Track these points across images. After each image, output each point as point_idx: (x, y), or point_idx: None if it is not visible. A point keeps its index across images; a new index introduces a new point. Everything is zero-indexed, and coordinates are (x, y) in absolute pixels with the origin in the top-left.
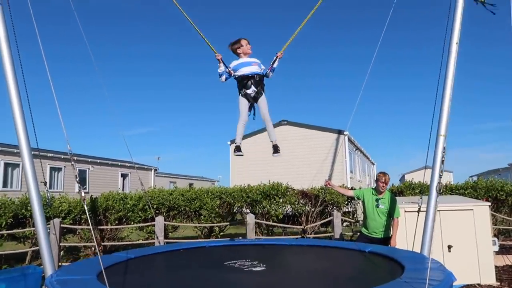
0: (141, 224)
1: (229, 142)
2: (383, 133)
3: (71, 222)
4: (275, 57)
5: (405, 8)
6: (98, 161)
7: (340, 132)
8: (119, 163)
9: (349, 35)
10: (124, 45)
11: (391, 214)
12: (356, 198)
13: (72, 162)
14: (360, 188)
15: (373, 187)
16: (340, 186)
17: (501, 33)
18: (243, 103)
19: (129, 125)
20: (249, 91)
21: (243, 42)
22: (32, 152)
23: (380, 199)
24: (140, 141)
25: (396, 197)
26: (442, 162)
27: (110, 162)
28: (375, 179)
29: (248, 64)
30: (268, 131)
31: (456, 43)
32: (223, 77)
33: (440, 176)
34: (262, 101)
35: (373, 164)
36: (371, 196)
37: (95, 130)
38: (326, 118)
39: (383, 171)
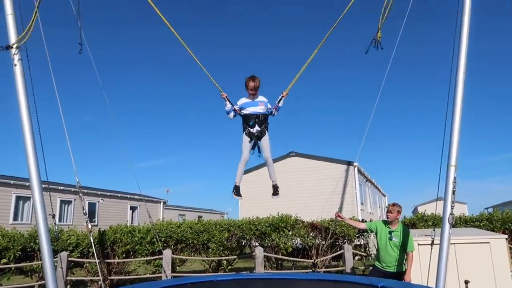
0: (149, 258)
1: None
2: (395, 164)
3: (79, 255)
4: (280, 96)
5: (409, 46)
6: (108, 194)
7: (349, 164)
8: (128, 196)
9: (357, 67)
10: (133, 82)
11: (404, 247)
12: (369, 231)
13: (80, 194)
14: (371, 220)
15: (386, 220)
16: (351, 218)
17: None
18: (246, 142)
19: (139, 158)
20: (253, 130)
21: (250, 85)
22: (43, 185)
23: (393, 231)
24: (150, 174)
25: (409, 229)
26: (454, 192)
27: (119, 195)
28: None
29: (255, 104)
30: (269, 172)
31: (463, 73)
32: (231, 114)
33: (452, 207)
34: (265, 140)
35: (384, 195)
36: (384, 228)
37: (106, 164)
38: (336, 149)
39: (394, 202)
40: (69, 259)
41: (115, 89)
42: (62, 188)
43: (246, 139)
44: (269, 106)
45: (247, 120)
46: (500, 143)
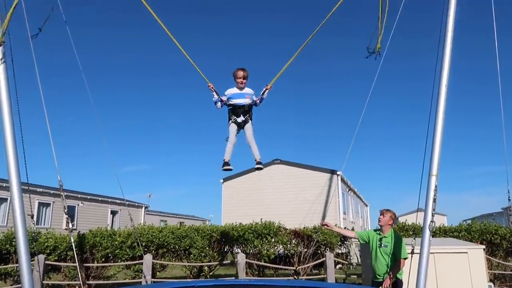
0: (129, 262)
1: (222, 180)
2: (377, 175)
3: (56, 258)
4: (264, 89)
5: (393, 61)
6: (88, 197)
7: (333, 172)
8: (109, 200)
9: (343, 73)
10: (117, 87)
11: (396, 254)
12: (360, 240)
13: (61, 192)
14: (353, 229)
15: (377, 228)
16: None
17: (488, 82)
18: (232, 128)
19: (121, 163)
20: (238, 119)
21: (239, 74)
22: (22, 187)
23: (383, 237)
24: (132, 179)
25: (401, 236)
26: (434, 200)
27: (100, 199)
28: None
29: (242, 96)
30: (252, 151)
31: (445, 86)
32: (219, 104)
33: (432, 215)
34: (248, 127)
35: (366, 205)
36: (375, 235)
37: (87, 169)
38: (320, 157)
39: (387, 208)
40: (46, 262)
41: (99, 94)
42: (40, 190)
43: (232, 126)
44: (254, 98)
45: (234, 110)
46: (480, 156)
